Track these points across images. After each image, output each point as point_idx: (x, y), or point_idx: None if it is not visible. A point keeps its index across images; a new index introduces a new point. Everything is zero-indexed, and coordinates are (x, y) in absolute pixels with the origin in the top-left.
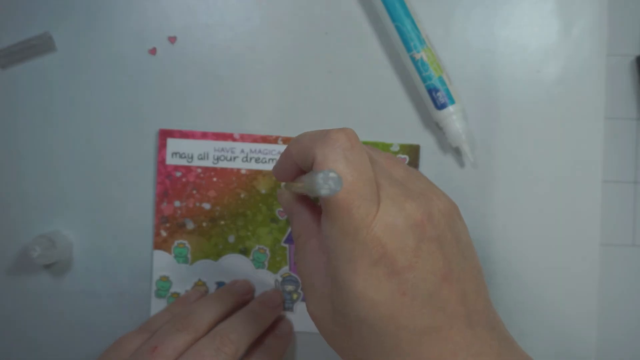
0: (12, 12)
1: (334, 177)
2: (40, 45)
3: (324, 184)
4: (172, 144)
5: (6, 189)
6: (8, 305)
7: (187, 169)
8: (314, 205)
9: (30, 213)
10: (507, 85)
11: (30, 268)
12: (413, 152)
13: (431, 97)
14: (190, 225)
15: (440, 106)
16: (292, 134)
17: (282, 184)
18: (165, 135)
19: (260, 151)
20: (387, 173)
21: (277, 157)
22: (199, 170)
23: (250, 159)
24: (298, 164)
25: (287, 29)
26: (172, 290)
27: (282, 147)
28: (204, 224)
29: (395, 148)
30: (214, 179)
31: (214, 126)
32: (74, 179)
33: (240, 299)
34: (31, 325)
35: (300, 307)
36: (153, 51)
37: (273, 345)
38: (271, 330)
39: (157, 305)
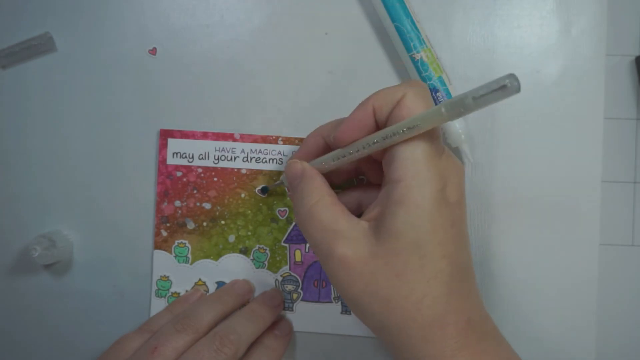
0: (13, 12)
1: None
2: (40, 46)
3: (510, 82)
4: (173, 144)
5: (7, 188)
6: (8, 305)
7: (188, 169)
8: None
9: (31, 213)
10: None
11: (30, 268)
12: None
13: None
14: (190, 225)
15: None
16: (292, 134)
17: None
18: (165, 135)
19: (260, 151)
20: None
21: (278, 156)
22: (200, 170)
23: (251, 158)
24: (376, 116)
25: (287, 29)
26: (173, 290)
27: (282, 147)
28: (205, 224)
29: None
30: (215, 179)
31: (214, 126)
32: (75, 178)
33: (240, 299)
34: (31, 325)
35: (300, 307)
36: (153, 51)
37: (272, 345)
38: (271, 330)
39: (157, 305)
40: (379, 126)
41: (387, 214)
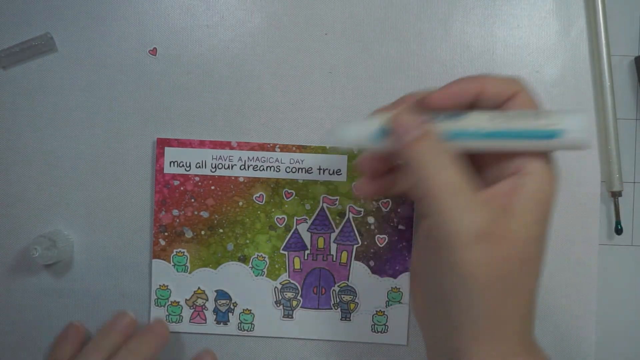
0: (13, 12)
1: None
2: (40, 46)
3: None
4: (170, 153)
5: (7, 188)
6: (8, 304)
7: (185, 178)
8: None
9: (31, 213)
10: None
11: (30, 268)
12: None
13: None
14: (188, 234)
15: None
16: (291, 136)
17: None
18: (163, 144)
19: (257, 159)
20: None
21: (275, 164)
22: (197, 178)
23: (248, 166)
24: (479, 98)
25: (287, 29)
26: (172, 299)
27: (279, 155)
28: (203, 233)
29: None
30: (212, 187)
31: (214, 126)
32: (75, 178)
33: (123, 336)
34: (31, 325)
35: (300, 314)
36: (153, 51)
37: None
38: None
39: (157, 314)
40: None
41: (519, 200)
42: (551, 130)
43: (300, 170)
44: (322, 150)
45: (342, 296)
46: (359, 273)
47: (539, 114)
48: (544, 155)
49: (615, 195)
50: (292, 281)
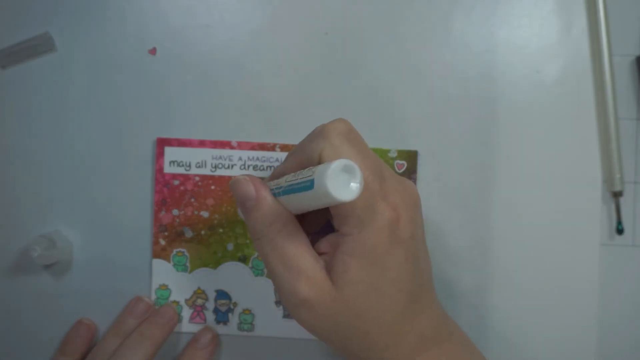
0: (13, 12)
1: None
2: (40, 46)
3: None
4: (170, 153)
5: (7, 188)
6: (8, 305)
7: (185, 177)
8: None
9: (31, 213)
10: (507, 85)
11: (30, 268)
12: (411, 158)
13: None
14: (188, 234)
15: None
16: (291, 136)
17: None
18: (162, 143)
19: (258, 159)
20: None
21: (275, 164)
22: (197, 178)
23: (248, 166)
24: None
25: (287, 29)
26: (172, 298)
27: (280, 154)
28: (203, 232)
29: (394, 154)
30: (212, 187)
31: (214, 126)
32: (75, 178)
33: (140, 321)
34: (31, 325)
35: None
36: (153, 51)
37: (195, 357)
38: (193, 341)
39: None
40: None
41: (339, 262)
42: (308, 180)
43: None
44: None
45: None
46: None
47: (314, 167)
48: (355, 215)
49: (617, 195)
50: None
